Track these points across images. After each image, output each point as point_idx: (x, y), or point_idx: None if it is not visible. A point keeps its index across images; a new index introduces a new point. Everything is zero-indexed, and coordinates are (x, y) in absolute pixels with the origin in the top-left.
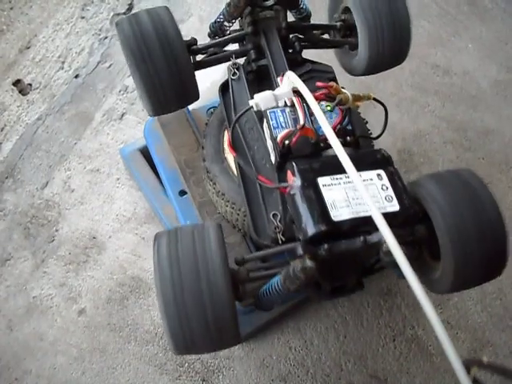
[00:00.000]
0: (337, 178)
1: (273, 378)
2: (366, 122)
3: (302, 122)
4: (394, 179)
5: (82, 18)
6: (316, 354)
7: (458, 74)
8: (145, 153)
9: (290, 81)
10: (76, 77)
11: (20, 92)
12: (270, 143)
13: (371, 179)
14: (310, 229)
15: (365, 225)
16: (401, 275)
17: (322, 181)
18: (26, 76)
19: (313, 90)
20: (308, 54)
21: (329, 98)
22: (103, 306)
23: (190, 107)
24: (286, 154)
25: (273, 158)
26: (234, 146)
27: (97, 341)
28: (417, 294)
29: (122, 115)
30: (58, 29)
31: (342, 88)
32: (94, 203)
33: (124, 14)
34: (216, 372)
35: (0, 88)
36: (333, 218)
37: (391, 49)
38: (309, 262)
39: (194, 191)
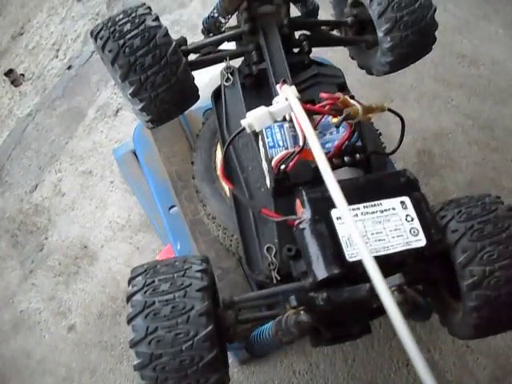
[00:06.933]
0: (353, 209)
1: None
2: (380, 134)
3: (301, 143)
4: (421, 207)
5: (79, 1)
6: (322, 379)
7: (486, 65)
8: None
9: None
10: (69, 68)
11: (12, 83)
12: (265, 165)
13: (393, 208)
14: (321, 272)
15: (386, 265)
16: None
17: (335, 213)
18: (18, 65)
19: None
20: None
21: (335, 111)
22: (94, 322)
23: None
24: (281, 179)
25: (268, 183)
26: (227, 169)
27: (87, 360)
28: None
29: (117, 111)
30: (53, 13)
31: (352, 98)
32: (86, 209)
33: None
34: None
35: None
36: (347, 258)
37: (415, 40)
38: (303, 317)
39: (186, 208)
